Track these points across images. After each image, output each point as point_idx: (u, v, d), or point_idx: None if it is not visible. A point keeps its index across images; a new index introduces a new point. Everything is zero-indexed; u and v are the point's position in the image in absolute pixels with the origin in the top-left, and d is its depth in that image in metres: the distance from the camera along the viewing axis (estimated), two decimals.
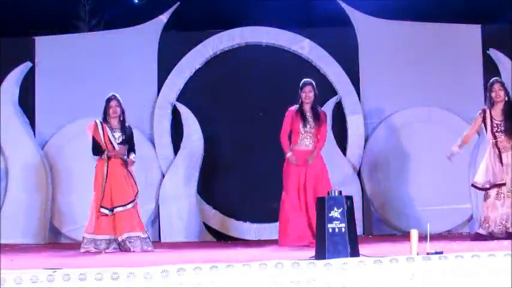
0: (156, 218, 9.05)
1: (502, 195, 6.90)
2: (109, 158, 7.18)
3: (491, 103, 7.09)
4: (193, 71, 9.24)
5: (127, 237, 7.05)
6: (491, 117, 7.04)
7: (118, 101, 7.28)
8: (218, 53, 9.27)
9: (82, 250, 7.01)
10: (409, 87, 9.14)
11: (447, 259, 4.45)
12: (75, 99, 9.12)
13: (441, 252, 4.59)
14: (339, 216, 4.85)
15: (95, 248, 7.02)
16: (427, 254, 4.59)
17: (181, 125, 9.12)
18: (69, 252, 7.15)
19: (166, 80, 9.18)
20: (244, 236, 8.89)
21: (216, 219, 9.03)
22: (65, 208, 8.99)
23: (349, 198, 4.97)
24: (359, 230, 8.14)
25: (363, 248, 5.20)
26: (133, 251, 6.98)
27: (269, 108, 8.97)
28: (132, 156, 7.31)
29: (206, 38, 9.23)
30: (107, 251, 7.04)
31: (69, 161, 9.07)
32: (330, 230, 4.82)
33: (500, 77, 8.93)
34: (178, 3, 9.23)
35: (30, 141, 9.04)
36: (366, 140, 9.12)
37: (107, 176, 7.15)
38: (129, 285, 4.13)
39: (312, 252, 5.12)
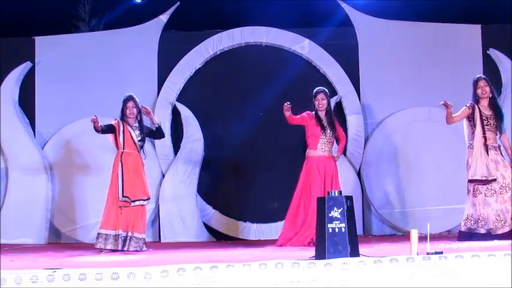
0: (156, 218, 9.05)
1: (493, 191, 6.90)
2: (123, 152, 7.27)
3: (476, 100, 7.11)
4: (193, 71, 9.24)
5: (132, 235, 7.13)
6: (480, 111, 7.05)
7: (135, 101, 7.38)
8: (218, 53, 9.27)
9: (97, 246, 7.06)
10: (409, 87, 9.15)
11: (447, 259, 4.45)
12: (75, 99, 9.13)
13: (441, 252, 4.59)
14: (339, 216, 4.85)
15: (111, 244, 7.05)
16: (427, 254, 4.58)
17: (181, 125, 9.13)
18: (69, 252, 7.15)
19: (166, 80, 9.18)
20: (244, 236, 8.89)
21: (216, 219, 9.03)
22: (65, 208, 8.99)
23: (349, 198, 4.97)
24: (359, 230, 8.15)
25: (363, 248, 5.20)
26: (128, 250, 7.06)
27: (269, 108, 8.97)
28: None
29: (206, 38, 9.24)
30: (125, 249, 7.08)
31: (69, 161, 9.07)
32: (330, 230, 4.82)
33: (500, 77, 9.01)
34: (178, 3, 9.24)
35: (30, 141, 9.04)
36: (366, 140, 9.12)
37: (122, 169, 7.20)
38: (129, 285, 4.13)
39: (312, 252, 5.12)
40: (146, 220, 7.48)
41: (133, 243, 7.12)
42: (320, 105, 7.41)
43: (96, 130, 7.23)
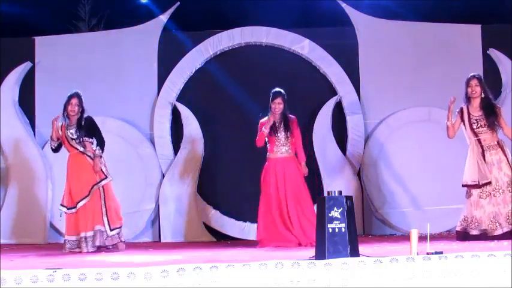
0: (156, 218, 9.05)
1: (487, 193, 6.91)
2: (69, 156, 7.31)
3: (467, 99, 7.11)
4: (193, 71, 9.24)
5: (91, 235, 7.08)
6: (469, 114, 7.05)
7: (79, 99, 7.29)
8: (218, 53, 9.27)
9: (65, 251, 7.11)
10: (409, 87, 9.14)
11: (447, 259, 4.45)
12: None
13: (441, 252, 4.59)
14: (339, 216, 4.85)
15: (78, 248, 7.08)
16: (427, 254, 4.58)
17: (181, 125, 9.12)
18: (69, 252, 7.14)
19: (166, 80, 9.18)
20: (244, 236, 8.89)
21: (216, 219, 9.03)
22: None
23: (349, 198, 4.97)
24: (359, 230, 8.15)
25: (363, 248, 5.20)
26: (97, 248, 7.04)
27: (269, 108, 8.96)
28: (97, 151, 7.22)
29: (206, 38, 9.23)
30: (90, 250, 7.04)
31: None
32: (330, 230, 4.82)
33: (500, 77, 9.00)
34: (178, 3, 9.23)
35: (30, 141, 9.04)
36: (366, 140, 9.11)
37: (68, 172, 7.30)
38: (129, 285, 4.13)
39: (312, 252, 5.12)
40: (111, 212, 7.23)
41: (98, 239, 7.05)
42: (276, 109, 7.49)
43: (53, 140, 7.29)
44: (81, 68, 9.21)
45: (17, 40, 9.33)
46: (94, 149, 7.27)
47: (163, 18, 9.29)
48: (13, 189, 8.97)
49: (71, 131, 7.25)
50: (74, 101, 7.25)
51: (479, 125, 7.01)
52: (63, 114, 7.28)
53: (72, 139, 7.25)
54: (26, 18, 9.21)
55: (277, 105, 7.49)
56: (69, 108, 7.25)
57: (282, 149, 7.48)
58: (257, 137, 7.49)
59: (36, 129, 9.21)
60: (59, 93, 9.11)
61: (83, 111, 7.29)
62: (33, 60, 9.26)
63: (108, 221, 7.13)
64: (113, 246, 7.15)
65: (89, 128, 7.28)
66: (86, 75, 9.18)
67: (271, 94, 7.55)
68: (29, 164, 8.97)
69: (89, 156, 7.24)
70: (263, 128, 7.42)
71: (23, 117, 9.18)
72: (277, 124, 7.49)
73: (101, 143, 7.29)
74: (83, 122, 7.25)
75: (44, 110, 9.20)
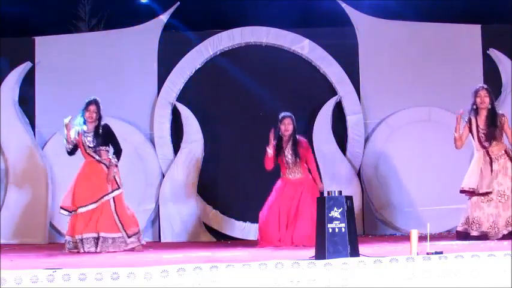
0: (156, 218, 9.06)
1: (489, 197, 6.91)
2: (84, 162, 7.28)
3: (475, 109, 7.09)
4: (193, 71, 9.24)
5: (86, 237, 7.04)
6: (477, 127, 7.05)
7: (97, 106, 7.24)
8: (218, 53, 9.27)
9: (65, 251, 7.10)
10: (409, 87, 9.14)
11: (447, 259, 4.45)
12: (75, 99, 9.10)
13: (441, 252, 4.59)
14: (339, 216, 4.84)
15: (76, 248, 7.06)
16: (427, 254, 4.58)
17: (181, 125, 9.13)
18: (69, 252, 7.14)
19: (166, 80, 9.18)
20: (244, 236, 8.89)
21: (216, 219, 9.03)
22: None
23: (349, 198, 4.97)
24: (359, 230, 8.15)
25: (363, 248, 5.19)
26: (102, 252, 6.98)
27: (269, 108, 8.97)
28: (113, 160, 7.21)
29: (206, 38, 9.24)
30: (91, 250, 7.02)
31: (69, 161, 9.05)
32: (330, 230, 4.82)
33: (500, 77, 9.00)
34: (178, 3, 9.23)
35: (30, 141, 9.04)
36: (366, 140, 9.12)
37: (78, 175, 7.25)
38: (129, 285, 4.13)
39: (312, 252, 5.12)
40: (125, 220, 7.20)
41: (107, 244, 7.03)
42: (286, 131, 7.43)
43: (68, 142, 7.24)
44: (81, 68, 9.21)
45: (17, 40, 9.33)
46: (110, 157, 7.25)
47: (163, 18, 9.30)
48: (13, 189, 8.97)
49: (88, 138, 7.22)
50: (92, 107, 7.21)
51: (486, 139, 7.02)
52: (81, 121, 7.26)
53: (89, 147, 7.22)
54: (26, 18, 9.21)
55: (287, 126, 7.43)
56: (87, 114, 7.21)
57: (292, 174, 7.45)
58: (264, 160, 7.43)
59: (36, 129, 9.22)
60: (59, 93, 9.17)
61: (100, 118, 7.25)
62: (33, 60, 9.26)
63: (125, 229, 7.11)
64: (131, 249, 7.14)
65: (105, 136, 7.25)
66: (85, 75, 9.18)
67: (279, 117, 7.51)
68: (29, 164, 8.97)
69: (105, 165, 7.21)
70: (267, 149, 7.35)
71: (23, 117, 9.18)
72: (285, 151, 7.44)
73: (118, 151, 7.27)
74: (100, 130, 7.22)
75: (44, 110, 9.21)
